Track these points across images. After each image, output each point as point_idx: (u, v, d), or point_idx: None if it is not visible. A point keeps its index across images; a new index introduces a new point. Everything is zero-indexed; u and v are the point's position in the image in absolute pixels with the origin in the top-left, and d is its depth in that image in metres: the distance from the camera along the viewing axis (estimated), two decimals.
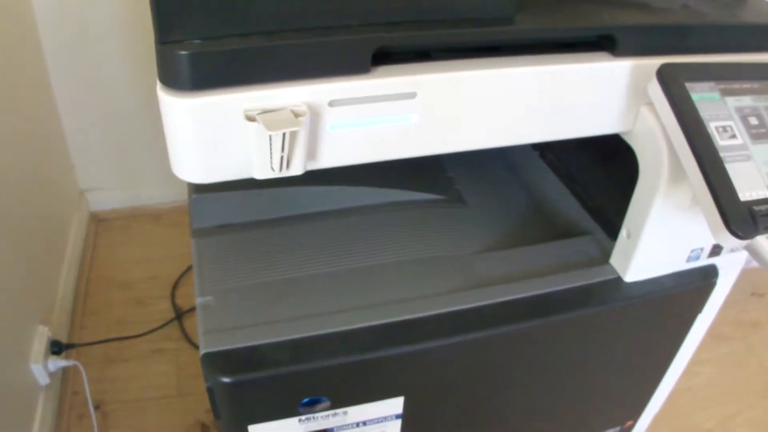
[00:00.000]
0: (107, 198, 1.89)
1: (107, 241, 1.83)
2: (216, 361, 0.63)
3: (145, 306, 1.64)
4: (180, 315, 1.61)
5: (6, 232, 1.25)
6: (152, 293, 1.67)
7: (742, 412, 1.50)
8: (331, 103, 0.54)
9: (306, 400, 0.67)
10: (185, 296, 1.66)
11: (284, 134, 0.51)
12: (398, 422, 0.74)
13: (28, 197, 1.42)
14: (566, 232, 0.82)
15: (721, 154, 0.58)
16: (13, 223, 1.30)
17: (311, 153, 0.56)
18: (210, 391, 0.64)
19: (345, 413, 0.70)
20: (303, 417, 0.68)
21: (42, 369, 1.29)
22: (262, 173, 0.54)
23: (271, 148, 0.52)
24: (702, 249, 0.74)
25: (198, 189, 0.78)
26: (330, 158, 0.57)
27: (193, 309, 1.62)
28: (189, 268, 1.73)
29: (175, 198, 1.91)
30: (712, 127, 0.59)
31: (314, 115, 0.54)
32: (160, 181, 1.88)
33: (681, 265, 0.75)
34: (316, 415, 0.69)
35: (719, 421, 1.47)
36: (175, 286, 1.69)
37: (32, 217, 1.44)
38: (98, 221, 1.89)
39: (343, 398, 0.69)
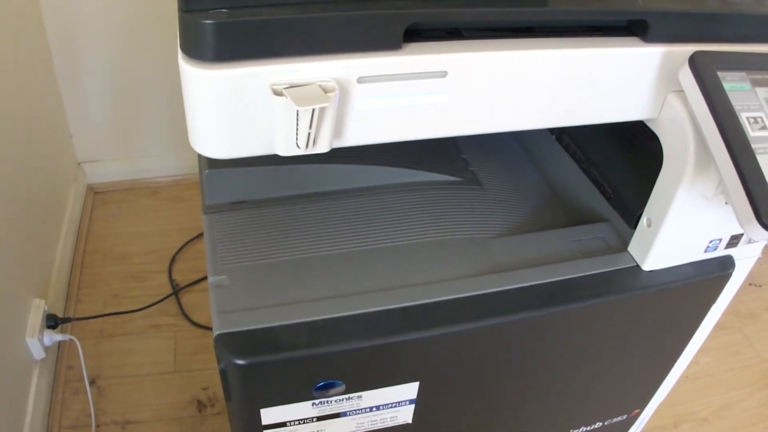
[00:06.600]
0: (105, 171, 1.86)
1: (104, 214, 1.81)
2: (230, 343, 0.62)
3: (142, 280, 1.62)
4: (177, 290, 1.59)
5: (2, 205, 1.23)
6: (149, 268, 1.66)
7: (738, 401, 1.51)
8: (360, 80, 0.52)
9: (321, 383, 0.65)
10: (183, 271, 1.65)
11: (313, 110, 0.49)
12: (411, 407, 0.73)
13: (25, 169, 1.40)
14: (583, 218, 0.81)
15: (753, 146, 0.57)
16: (10, 195, 1.28)
17: (337, 130, 0.54)
18: (223, 373, 0.63)
19: (359, 398, 0.69)
20: (317, 401, 0.67)
21: (37, 343, 1.27)
22: (286, 150, 0.53)
23: (297, 125, 0.50)
24: (720, 240, 0.74)
25: (211, 164, 0.76)
26: (356, 136, 0.56)
27: (190, 284, 1.61)
28: (186, 243, 1.72)
29: (173, 171, 1.89)
30: (743, 117, 0.58)
31: (342, 92, 0.52)
32: (159, 154, 1.85)
33: (699, 255, 0.75)
34: (330, 399, 0.68)
35: (715, 410, 1.48)
36: (173, 260, 1.68)
37: (29, 190, 1.42)
38: (95, 194, 1.87)
39: (359, 382, 0.68)
